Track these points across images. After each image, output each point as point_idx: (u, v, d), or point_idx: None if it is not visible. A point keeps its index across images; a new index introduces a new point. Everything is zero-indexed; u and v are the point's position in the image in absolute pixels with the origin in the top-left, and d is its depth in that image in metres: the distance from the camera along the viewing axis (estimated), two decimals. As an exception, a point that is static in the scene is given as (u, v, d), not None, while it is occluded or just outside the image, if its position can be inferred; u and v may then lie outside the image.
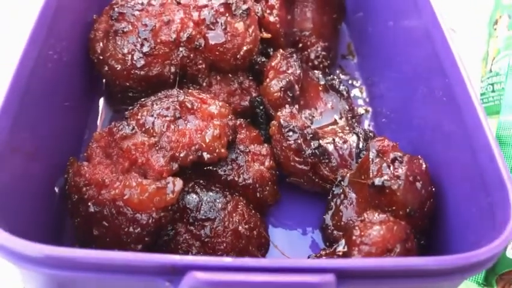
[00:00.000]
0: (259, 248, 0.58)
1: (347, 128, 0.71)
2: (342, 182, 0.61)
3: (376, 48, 0.81)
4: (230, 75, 0.70)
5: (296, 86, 0.68)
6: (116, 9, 0.66)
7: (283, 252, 0.60)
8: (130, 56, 0.64)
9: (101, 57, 0.66)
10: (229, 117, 0.59)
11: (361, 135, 0.67)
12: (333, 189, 0.62)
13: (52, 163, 0.58)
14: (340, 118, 0.72)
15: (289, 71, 0.68)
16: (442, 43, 0.59)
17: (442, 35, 0.59)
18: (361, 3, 0.86)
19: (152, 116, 0.57)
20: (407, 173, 0.54)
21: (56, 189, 0.59)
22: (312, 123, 0.69)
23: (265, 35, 0.72)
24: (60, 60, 0.61)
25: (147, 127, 0.56)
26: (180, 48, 0.64)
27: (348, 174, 0.62)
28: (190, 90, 0.63)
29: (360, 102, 0.82)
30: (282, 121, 0.62)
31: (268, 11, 0.73)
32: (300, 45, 0.80)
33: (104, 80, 0.75)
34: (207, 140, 0.55)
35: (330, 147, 0.64)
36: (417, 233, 0.54)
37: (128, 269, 0.40)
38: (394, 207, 0.53)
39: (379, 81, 0.80)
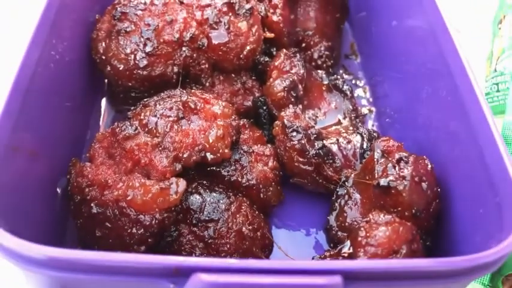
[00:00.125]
0: (263, 249, 0.57)
1: (351, 128, 0.70)
2: (346, 183, 0.61)
3: (380, 48, 0.80)
4: (233, 75, 0.70)
5: (299, 86, 0.67)
6: (119, 8, 0.65)
7: (287, 253, 0.59)
8: (133, 56, 0.63)
9: (104, 57, 0.66)
10: (233, 117, 0.59)
11: (365, 136, 0.67)
12: (337, 189, 0.61)
13: (54, 163, 0.58)
14: (344, 118, 0.72)
15: (293, 71, 0.68)
16: (448, 43, 0.58)
17: (447, 35, 0.59)
18: (364, 2, 0.86)
19: (155, 116, 0.56)
20: (412, 174, 0.54)
21: (58, 190, 0.58)
22: (315, 124, 0.69)
23: (269, 34, 0.71)
24: (63, 60, 0.60)
25: (150, 127, 0.56)
26: (183, 48, 0.64)
27: (352, 175, 0.61)
28: (193, 90, 0.62)
29: (364, 102, 0.81)
30: (285, 121, 0.62)
31: (271, 11, 0.72)
32: (303, 44, 0.80)
33: (106, 80, 0.75)
34: (211, 141, 0.55)
35: (334, 148, 0.64)
36: (423, 234, 0.54)
37: (132, 270, 0.40)
38: (399, 208, 0.53)
39: (382, 81, 0.79)
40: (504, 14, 0.82)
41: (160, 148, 0.54)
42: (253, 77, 0.72)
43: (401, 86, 0.73)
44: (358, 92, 0.82)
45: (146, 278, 0.40)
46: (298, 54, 0.70)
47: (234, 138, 0.58)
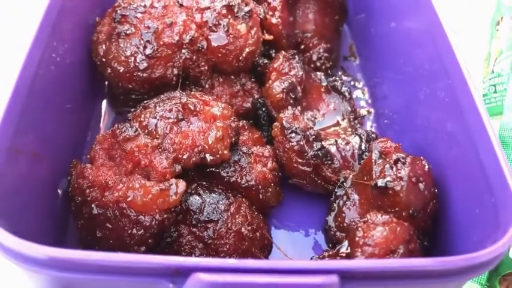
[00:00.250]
0: (262, 250, 0.58)
1: (349, 129, 0.71)
2: (345, 184, 0.61)
3: (378, 50, 0.81)
4: (232, 77, 0.70)
5: (298, 88, 0.68)
6: (119, 11, 0.66)
7: (286, 254, 0.60)
8: (133, 58, 0.64)
9: (104, 60, 0.66)
10: (232, 118, 0.59)
11: (363, 137, 0.67)
12: (336, 190, 0.62)
13: (55, 165, 0.58)
14: (343, 119, 0.72)
15: (292, 73, 0.68)
16: (444, 44, 0.59)
17: (444, 36, 0.59)
18: (362, 4, 0.86)
19: (155, 118, 0.57)
20: (410, 174, 0.54)
21: (59, 191, 0.59)
22: (314, 125, 0.69)
23: (268, 36, 0.72)
24: (63, 62, 0.61)
25: (150, 129, 0.56)
26: (183, 50, 0.65)
27: (351, 176, 0.62)
28: (192, 92, 0.63)
29: (362, 103, 0.82)
30: (284, 123, 0.63)
31: (270, 13, 0.73)
32: (302, 46, 0.80)
33: (106, 82, 0.75)
34: (210, 142, 0.55)
35: (333, 149, 0.64)
36: (420, 234, 0.54)
37: (132, 270, 0.40)
38: (397, 208, 0.53)
39: (381, 83, 0.80)
40: (502, 16, 0.82)
41: (160, 149, 0.55)
42: (253, 79, 0.72)
43: (400, 87, 0.73)
44: (357, 93, 0.83)
45: (146, 278, 0.41)
46: (297, 56, 0.71)
47: (233, 139, 0.58)
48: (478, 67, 0.85)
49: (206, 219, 0.55)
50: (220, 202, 0.56)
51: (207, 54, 0.66)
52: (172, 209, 0.53)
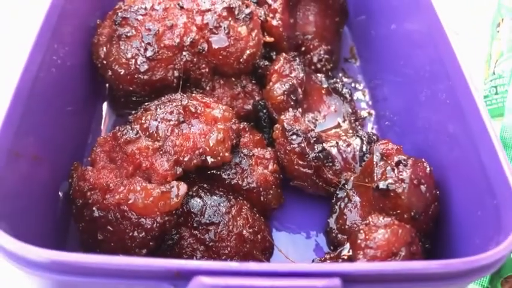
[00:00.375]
0: (263, 252, 0.58)
1: (350, 131, 0.71)
2: (346, 186, 0.61)
3: (379, 51, 0.81)
4: (233, 79, 0.70)
5: (299, 90, 0.68)
6: (119, 14, 0.66)
7: (287, 256, 0.60)
8: (133, 60, 0.64)
9: (105, 62, 0.66)
10: (233, 121, 0.59)
11: (364, 139, 0.67)
12: (337, 192, 0.62)
13: (56, 168, 0.58)
14: (344, 121, 0.72)
15: (292, 75, 0.68)
16: (445, 46, 0.59)
17: (444, 37, 0.59)
18: (363, 6, 0.86)
19: (156, 120, 0.57)
20: (411, 176, 0.54)
21: (60, 194, 0.59)
22: (315, 127, 0.69)
23: (268, 38, 0.72)
24: (64, 65, 0.61)
25: (151, 131, 0.56)
26: (184, 53, 0.65)
27: (352, 178, 0.62)
28: (193, 94, 0.63)
29: (363, 105, 0.82)
30: (285, 125, 0.62)
31: (270, 15, 0.73)
32: (303, 48, 0.80)
33: (107, 85, 0.75)
34: (211, 144, 0.55)
35: (334, 151, 0.64)
36: (422, 237, 0.54)
37: (133, 274, 0.40)
38: (398, 211, 0.53)
39: (382, 84, 0.80)
40: (502, 17, 0.82)
41: (161, 152, 0.55)
42: (253, 81, 0.72)
43: (401, 89, 0.73)
44: (358, 95, 0.83)
45: (147, 281, 0.41)
46: (297, 58, 0.71)
47: (234, 141, 0.58)
48: (478, 68, 0.85)
49: (207, 221, 0.55)
50: (222, 204, 0.56)
51: (208, 56, 0.66)
52: (174, 212, 0.53)
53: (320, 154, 0.62)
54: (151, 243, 0.52)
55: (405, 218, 0.53)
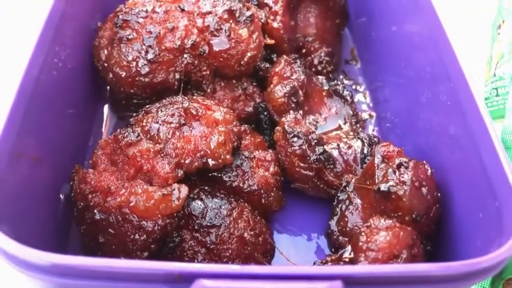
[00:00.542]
0: (264, 255, 0.58)
1: (351, 133, 0.71)
2: (347, 188, 0.61)
3: (380, 53, 0.81)
4: (234, 81, 0.70)
5: (300, 92, 0.68)
6: (120, 16, 0.66)
7: (289, 259, 0.60)
8: (135, 63, 0.64)
9: (106, 65, 0.66)
10: (234, 123, 0.59)
11: (365, 141, 0.67)
12: (338, 194, 0.62)
13: (57, 170, 0.58)
14: (345, 123, 0.72)
15: (293, 77, 0.68)
16: (446, 48, 0.59)
17: (445, 39, 0.59)
18: (364, 8, 0.86)
19: (157, 122, 0.57)
20: (413, 179, 0.54)
21: (61, 197, 0.59)
22: (316, 129, 0.69)
23: (269, 41, 0.72)
24: (65, 67, 0.61)
25: (152, 134, 0.56)
26: (185, 55, 0.65)
27: (353, 180, 0.62)
28: (194, 97, 0.63)
29: (364, 107, 0.82)
30: (286, 127, 0.62)
31: (271, 17, 0.73)
32: (304, 50, 0.80)
33: (108, 87, 0.75)
34: (212, 147, 0.55)
35: (335, 153, 0.64)
36: (423, 239, 0.54)
37: (135, 277, 0.40)
38: (400, 213, 0.53)
39: (382, 86, 0.80)
40: (503, 19, 0.82)
41: (162, 154, 0.55)
42: (254, 83, 0.72)
43: (401, 91, 0.73)
44: (359, 97, 0.83)
45: (149, 284, 0.41)
46: (298, 60, 0.71)
47: (235, 144, 0.58)
48: (479, 70, 0.85)
49: (208, 224, 0.55)
50: (223, 207, 0.56)
51: (209, 58, 0.66)
52: (175, 214, 0.53)
53: (321, 156, 0.61)
54: (152, 246, 0.52)
55: (406, 220, 0.53)
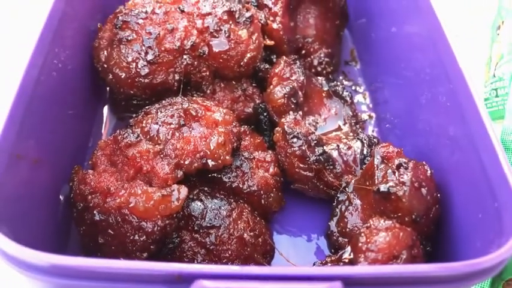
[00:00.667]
0: (264, 255, 0.58)
1: (351, 134, 0.71)
2: (347, 188, 0.61)
3: (379, 54, 0.81)
4: (234, 82, 0.70)
5: (300, 93, 0.68)
6: (120, 17, 0.66)
7: (288, 259, 0.59)
8: (134, 64, 0.64)
9: (105, 66, 0.66)
10: (234, 124, 0.59)
11: (365, 141, 0.67)
12: (338, 195, 0.62)
13: (57, 171, 0.58)
14: (344, 124, 0.72)
15: (293, 78, 0.68)
16: (445, 49, 0.59)
17: (445, 40, 0.59)
18: (363, 9, 0.86)
19: (157, 123, 0.57)
20: (412, 179, 0.54)
21: (61, 197, 0.59)
22: (316, 130, 0.69)
23: (269, 42, 0.72)
24: (65, 68, 0.61)
25: (152, 135, 0.56)
26: (184, 56, 0.65)
27: (353, 181, 0.62)
28: (194, 98, 0.63)
29: (364, 108, 0.82)
30: (286, 128, 0.62)
31: (271, 18, 0.73)
32: (303, 51, 0.80)
33: (108, 88, 0.75)
34: (212, 147, 0.55)
35: (334, 154, 0.64)
36: (423, 239, 0.54)
37: (134, 278, 0.40)
38: (399, 214, 0.53)
39: (382, 87, 0.80)
40: (503, 20, 0.82)
41: (162, 155, 0.55)
42: (254, 84, 0.72)
43: (401, 91, 0.73)
44: (358, 98, 0.83)
45: (148, 284, 0.40)
46: (298, 61, 0.71)
47: (235, 144, 0.58)
48: (478, 71, 0.85)
49: (208, 225, 0.55)
50: (222, 208, 0.56)
51: (209, 59, 0.66)
52: (174, 215, 0.53)
53: (321, 157, 0.62)
54: (152, 246, 0.52)
55: (406, 221, 0.53)
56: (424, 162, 0.57)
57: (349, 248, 0.52)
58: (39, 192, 0.54)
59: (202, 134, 0.56)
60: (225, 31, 0.66)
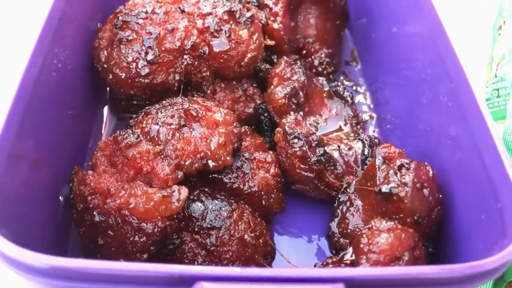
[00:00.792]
0: (265, 257, 0.57)
1: (352, 134, 0.71)
2: (348, 189, 0.61)
3: (380, 54, 0.81)
4: (234, 82, 0.70)
5: (300, 93, 0.68)
6: (120, 17, 0.66)
7: (289, 261, 0.59)
8: (134, 64, 0.64)
9: (106, 66, 0.66)
10: (234, 124, 0.59)
11: (366, 142, 0.67)
12: (339, 196, 0.61)
13: (56, 171, 0.58)
14: (345, 124, 0.72)
15: (294, 78, 0.68)
16: (447, 48, 0.59)
17: (446, 40, 0.59)
18: (364, 9, 0.86)
19: (157, 124, 0.57)
20: (414, 180, 0.54)
21: (61, 198, 0.59)
22: (316, 130, 0.69)
23: (269, 42, 0.72)
24: (65, 68, 0.61)
25: (152, 135, 0.56)
26: (185, 56, 0.64)
27: (354, 181, 0.61)
28: (194, 98, 0.63)
29: (365, 108, 0.81)
30: (286, 128, 0.62)
31: (272, 18, 0.73)
32: (304, 51, 0.80)
33: (108, 89, 0.75)
34: (212, 148, 0.55)
35: (335, 154, 0.64)
36: (425, 241, 0.54)
37: (134, 279, 0.40)
38: (401, 215, 0.53)
39: (383, 87, 0.80)
40: (504, 20, 0.82)
41: (162, 156, 0.54)
42: (254, 84, 0.72)
43: (402, 92, 0.73)
44: (359, 98, 0.83)
45: (149, 286, 0.40)
46: (298, 61, 0.70)
47: (236, 145, 0.58)
48: (480, 71, 0.84)
49: (209, 226, 0.54)
50: (223, 209, 0.56)
51: (209, 59, 0.66)
52: (175, 216, 0.52)
53: (322, 158, 0.61)
54: (152, 248, 0.51)
55: (408, 222, 0.53)
56: (426, 163, 0.57)
57: (350, 249, 0.52)
58: (38, 192, 0.54)
59: (202, 134, 0.56)
60: (225, 31, 0.66)
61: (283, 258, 0.59)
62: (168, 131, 0.56)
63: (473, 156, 0.52)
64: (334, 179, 0.62)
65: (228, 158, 0.56)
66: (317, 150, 0.61)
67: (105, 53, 0.66)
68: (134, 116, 0.61)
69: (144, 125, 0.57)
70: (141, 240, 0.51)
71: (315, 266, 0.57)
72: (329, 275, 0.39)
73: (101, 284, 0.40)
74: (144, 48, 0.64)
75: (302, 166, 0.61)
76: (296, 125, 0.63)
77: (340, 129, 0.72)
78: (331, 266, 0.53)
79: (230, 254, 0.54)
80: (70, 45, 0.63)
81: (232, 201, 0.57)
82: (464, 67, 0.56)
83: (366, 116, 0.80)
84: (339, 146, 0.65)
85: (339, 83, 0.76)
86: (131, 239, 0.51)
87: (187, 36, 0.65)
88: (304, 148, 0.61)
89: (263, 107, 0.68)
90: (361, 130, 0.73)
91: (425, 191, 0.54)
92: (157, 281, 0.40)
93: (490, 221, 0.48)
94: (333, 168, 0.62)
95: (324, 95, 0.74)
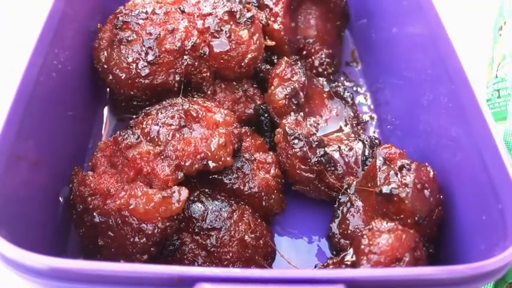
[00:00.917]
0: (265, 257, 0.57)
1: (352, 135, 0.70)
2: (348, 190, 0.61)
3: (380, 55, 0.81)
4: (235, 83, 0.70)
5: (301, 94, 0.67)
6: (120, 18, 0.66)
7: (290, 262, 0.59)
8: (134, 64, 0.63)
9: (106, 66, 0.66)
10: (235, 125, 0.59)
11: (366, 143, 0.67)
12: (339, 197, 0.61)
13: (56, 172, 0.58)
14: (346, 125, 0.72)
15: (294, 79, 0.68)
16: (447, 49, 0.58)
17: (447, 40, 0.59)
18: (364, 10, 0.86)
19: (157, 124, 0.56)
20: (415, 181, 0.53)
21: (61, 199, 0.58)
22: (317, 131, 0.69)
23: (270, 42, 0.72)
24: (65, 69, 0.61)
25: (152, 136, 0.56)
26: (185, 57, 0.64)
27: (354, 182, 0.61)
28: (195, 99, 0.63)
29: (365, 109, 0.81)
30: (287, 129, 0.62)
31: (272, 19, 0.73)
32: (304, 52, 0.80)
33: (108, 89, 0.75)
34: (213, 149, 0.55)
35: (336, 155, 0.64)
36: (426, 242, 0.54)
37: (134, 280, 0.40)
38: (402, 216, 0.53)
39: (383, 88, 0.79)
40: (505, 20, 0.82)
41: (162, 157, 0.54)
42: (255, 85, 0.72)
43: (402, 92, 0.73)
44: (359, 99, 0.82)
45: (149, 287, 0.40)
46: (299, 62, 0.70)
47: (236, 146, 0.58)
48: (480, 72, 0.84)
49: (209, 226, 0.54)
50: (223, 209, 0.56)
51: (209, 60, 0.66)
52: (175, 217, 0.52)
53: (322, 158, 0.61)
54: (152, 248, 0.51)
55: (409, 222, 0.52)
56: (426, 164, 0.57)
57: (351, 250, 0.52)
58: (38, 193, 0.54)
59: (203, 135, 0.56)
60: (225, 31, 0.65)
61: (284, 259, 0.59)
62: (168, 131, 0.56)
63: (474, 157, 0.52)
64: (334, 180, 0.62)
65: (228, 158, 0.56)
66: (317, 151, 0.61)
67: (105, 53, 0.66)
68: (134, 116, 0.61)
69: (144, 126, 0.57)
70: (141, 241, 0.51)
71: (315, 267, 0.57)
72: (330, 276, 0.39)
73: (101, 285, 0.40)
74: (144, 48, 0.64)
75: (302, 167, 0.61)
76: (296, 126, 0.63)
77: (340, 129, 0.71)
78: (331, 267, 0.53)
79: (230, 255, 0.54)
80: (70, 45, 0.63)
81: (233, 202, 0.57)
82: (465, 68, 0.55)
83: (366, 117, 0.80)
84: (339, 147, 0.65)
85: (339, 84, 0.76)
86: (131, 239, 0.51)
87: (187, 36, 0.65)
88: (305, 149, 0.61)
89: (263, 107, 0.68)
90: (361, 131, 0.73)
91: (426, 192, 0.54)
92: (157, 282, 0.40)
93: (491, 221, 0.48)
94: (333, 169, 0.62)
95: (325, 95, 0.74)
